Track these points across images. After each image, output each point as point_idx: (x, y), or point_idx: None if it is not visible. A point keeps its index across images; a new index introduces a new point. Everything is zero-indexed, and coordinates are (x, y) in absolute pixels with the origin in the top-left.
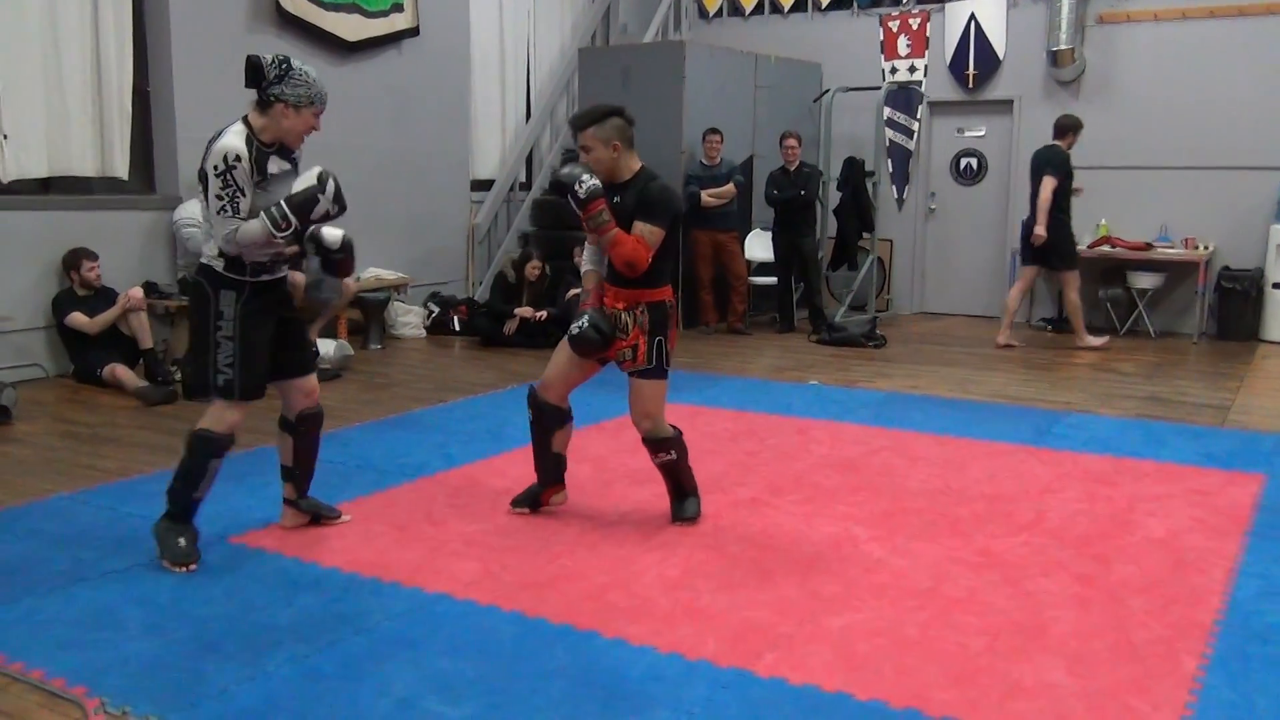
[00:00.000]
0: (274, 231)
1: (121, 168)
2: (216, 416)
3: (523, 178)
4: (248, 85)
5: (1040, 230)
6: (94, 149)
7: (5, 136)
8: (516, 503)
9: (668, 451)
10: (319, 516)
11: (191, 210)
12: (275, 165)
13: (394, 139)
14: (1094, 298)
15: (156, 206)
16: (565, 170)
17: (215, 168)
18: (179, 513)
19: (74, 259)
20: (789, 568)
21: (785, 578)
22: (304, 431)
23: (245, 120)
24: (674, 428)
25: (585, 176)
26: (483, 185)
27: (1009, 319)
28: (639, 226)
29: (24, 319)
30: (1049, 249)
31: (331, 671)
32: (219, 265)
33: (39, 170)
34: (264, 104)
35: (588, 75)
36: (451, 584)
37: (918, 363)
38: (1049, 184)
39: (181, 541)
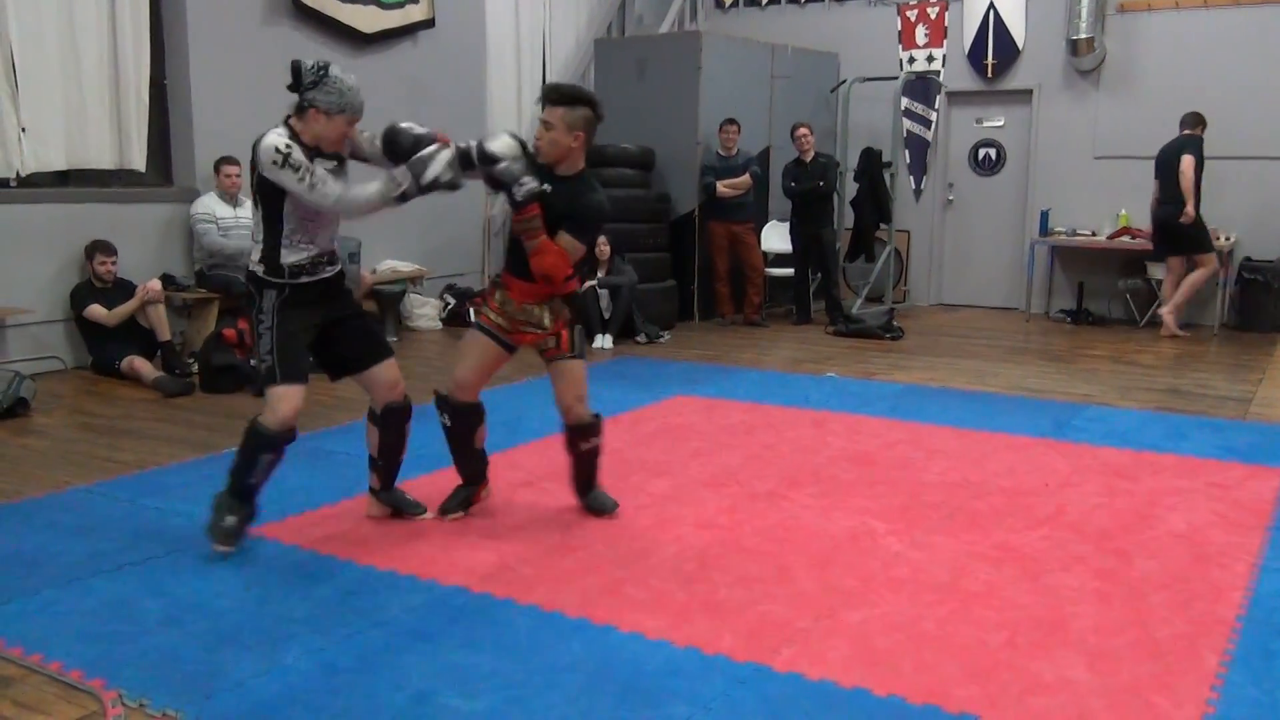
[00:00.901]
0: (389, 194)
1: (139, 160)
2: (269, 408)
3: None
4: (290, 89)
5: (1190, 210)
6: (111, 142)
7: (23, 129)
8: (446, 509)
9: (597, 434)
10: (401, 510)
11: (207, 205)
12: (319, 167)
13: None
14: (1113, 289)
15: (174, 199)
16: (506, 166)
17: (275, 162)
18: (239, 490)
19: (91, 250)
20: (806, 561)
21: (802, 572)
22: (389, 425)
23: (287, 122)
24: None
25: (527, 178)
26: None
27: (1172, 310)
28: (565, 238)
29: (42, 311)
30: (1186, 236)
31: (348, 664)
32: (260, 270)
33: (57, 163)
34: (300, 108)
35: (603, 66)
36: (468, 577)
37: (935, 355)
38: (1190, 161)
39: (229, 520)
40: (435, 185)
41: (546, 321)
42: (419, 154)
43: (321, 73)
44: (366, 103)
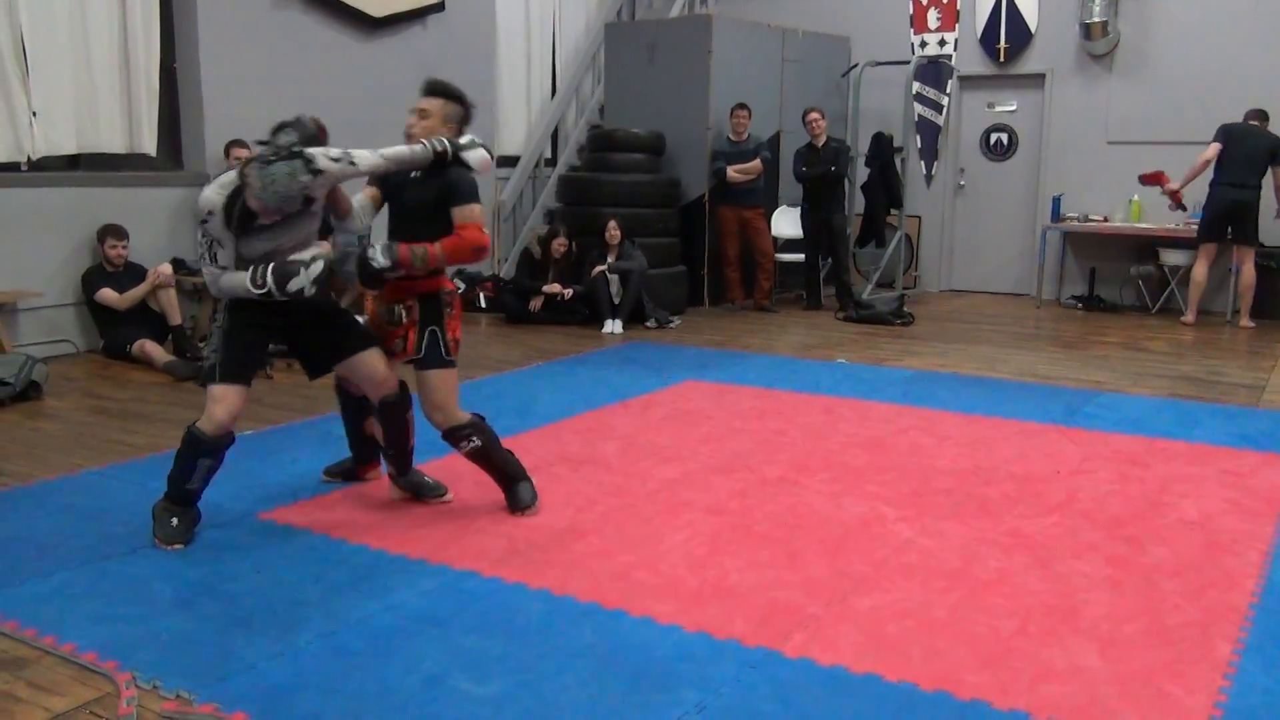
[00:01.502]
0: (250, 288)
1: (149, 144)
2: (207, 412)
3: (548, 154)
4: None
5: None
6: (122, 126)
7: (34, 113)
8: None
9: (468, 439)
10: (420, 493)
11: None
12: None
13: None
14: (1125, 275)
15: (184, 183)
16: (352, 267)
17: (197, 216)
18: (177, 497)
19: (103, 234)
20: (817, 547)
21: (813, 557)
22: (388, 418)
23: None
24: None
25: (370, 252)
26: (508, 161)
27: (1197, 297)
28: (458, 212)
29: (54, 295)
30: (1252, 224)
31: (360, 648)
32: None
33: (68, 147)
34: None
35: (613, 50)
36: (479, 561)
37: (946, 341)
38: None
39: (175, 521)
40: (297, 295)
41: (402, 319)
42: (296, 257)
43: (277, 154)
44: (376, 88)
